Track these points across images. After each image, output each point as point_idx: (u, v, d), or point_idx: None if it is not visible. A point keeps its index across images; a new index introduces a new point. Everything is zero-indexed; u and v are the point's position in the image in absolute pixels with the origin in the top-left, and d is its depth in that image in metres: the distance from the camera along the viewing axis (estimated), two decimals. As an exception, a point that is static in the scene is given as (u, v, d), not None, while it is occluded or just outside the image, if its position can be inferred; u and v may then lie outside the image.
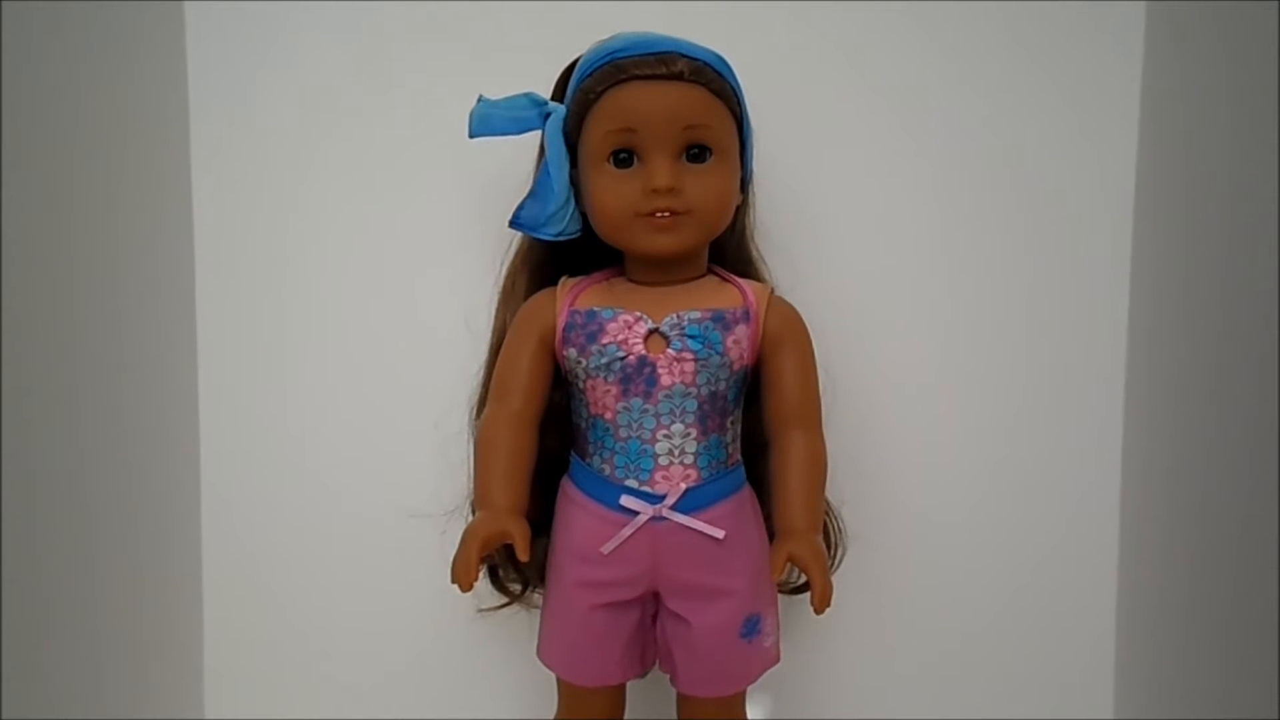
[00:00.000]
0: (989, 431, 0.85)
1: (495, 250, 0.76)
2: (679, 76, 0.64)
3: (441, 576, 0.64)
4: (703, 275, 0.70)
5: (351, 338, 0.85)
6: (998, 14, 0.81)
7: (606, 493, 0.68)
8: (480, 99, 0.68)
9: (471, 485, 0.70)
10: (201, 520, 0.87)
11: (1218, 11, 0.71)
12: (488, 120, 0.67)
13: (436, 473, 0.81)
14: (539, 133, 0.68)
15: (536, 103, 0.68)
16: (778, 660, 0.73)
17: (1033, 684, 0.87)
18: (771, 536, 0.68)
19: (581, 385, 0.69)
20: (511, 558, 0.74)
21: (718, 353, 0.67)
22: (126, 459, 0.77)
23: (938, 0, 0.81)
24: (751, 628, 0.70)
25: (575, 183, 0.69)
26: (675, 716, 0.74)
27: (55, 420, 0.68)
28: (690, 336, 0.66)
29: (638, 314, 0.67)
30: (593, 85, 0.66)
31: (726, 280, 0.70)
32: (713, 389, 0.67)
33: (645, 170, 0.65)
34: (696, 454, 0.67)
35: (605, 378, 0.67)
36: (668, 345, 0.66)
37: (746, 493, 0.71)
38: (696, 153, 0.66)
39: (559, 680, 0.74)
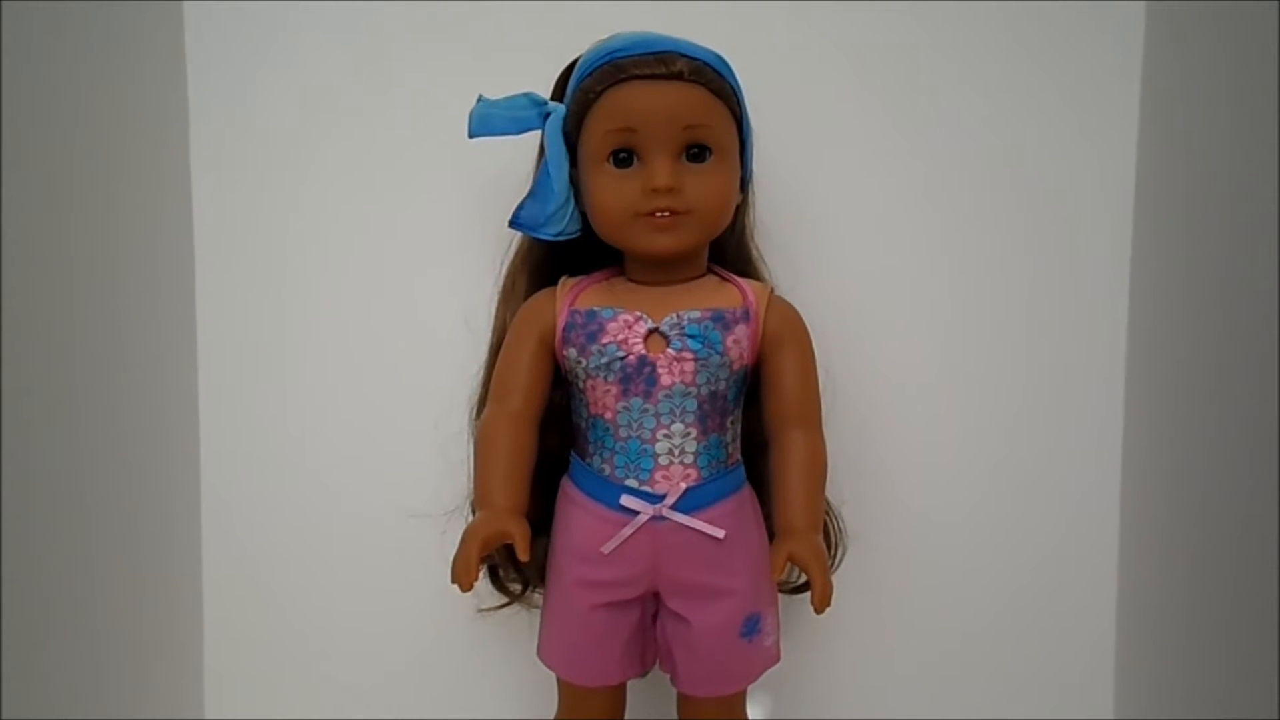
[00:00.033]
0: (989, 431, 0.85)
1: (495, 250, 0.76)
2: (679, 76, 0.64)
3: (441, 576, 0.64)
4: (702, 275, 0.70)
5: (351, 338, 0.85)
6: (998, 14, 0.81)
7: (606, 492, 0.68)
8: (480, 99, 0.68)
9: (471, 485, 0.70)
10: (201, 520, 0.87)
11: (1218, 11, 0.71)
12: (487, 120, 0.67)
13: (436, 473, 0.81)
14: (539, 132, 0.68)
15: (536, 102, 0.68)
16: (778, 660, 0.73)
17: (1033, 684, 0.87)
18: (772, 536, 0.68)
19: (581, 385, 0.69)
20: (512, 557, 0.74)
21: (718, 352, 0.67)
22: (126, 459, 0.77)
23: (938, 0, 0.81)
24: (752, 627, 0.70)
25: (575, 182, 0.69)
26: (675, 716, 0.74)
27: (55, 420, 0.68)
28: (690, 336, 0.66)
29: (638, 314, 0.67)
30: (592, 85, 0.66)
31: (726, 280, 0.70)
32: (713, 388, 0.67)
33: (645, 170, 0.65)
34: (696, 453, 0.67)
35: (605, 377, 0.67)
36: (668, 345, 0.66)
37: (746, 492, 0.71)
38: (696, 152, 0.66)
39: (559, 680, 0.74)
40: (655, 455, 0.67)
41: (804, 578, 0.66)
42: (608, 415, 0.68)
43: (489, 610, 0.81)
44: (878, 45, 0.82)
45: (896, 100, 0.82)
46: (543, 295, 0.71)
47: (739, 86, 0.68)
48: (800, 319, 0.71)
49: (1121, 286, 0.83)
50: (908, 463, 0.84)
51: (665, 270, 0.69)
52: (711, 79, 0.66)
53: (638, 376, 0.66)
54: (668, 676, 0.74)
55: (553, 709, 0.75)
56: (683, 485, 0.67)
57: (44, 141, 0.67)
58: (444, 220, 0.83)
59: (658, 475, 0.67)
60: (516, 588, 0.79)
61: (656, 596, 0.70)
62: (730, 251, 0.74)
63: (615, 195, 0.66)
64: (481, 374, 0.76)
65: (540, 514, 0.72)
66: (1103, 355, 0.84)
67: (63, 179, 0.69)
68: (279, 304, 0.85)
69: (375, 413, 0.85)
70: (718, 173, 0.66)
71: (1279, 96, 0.63)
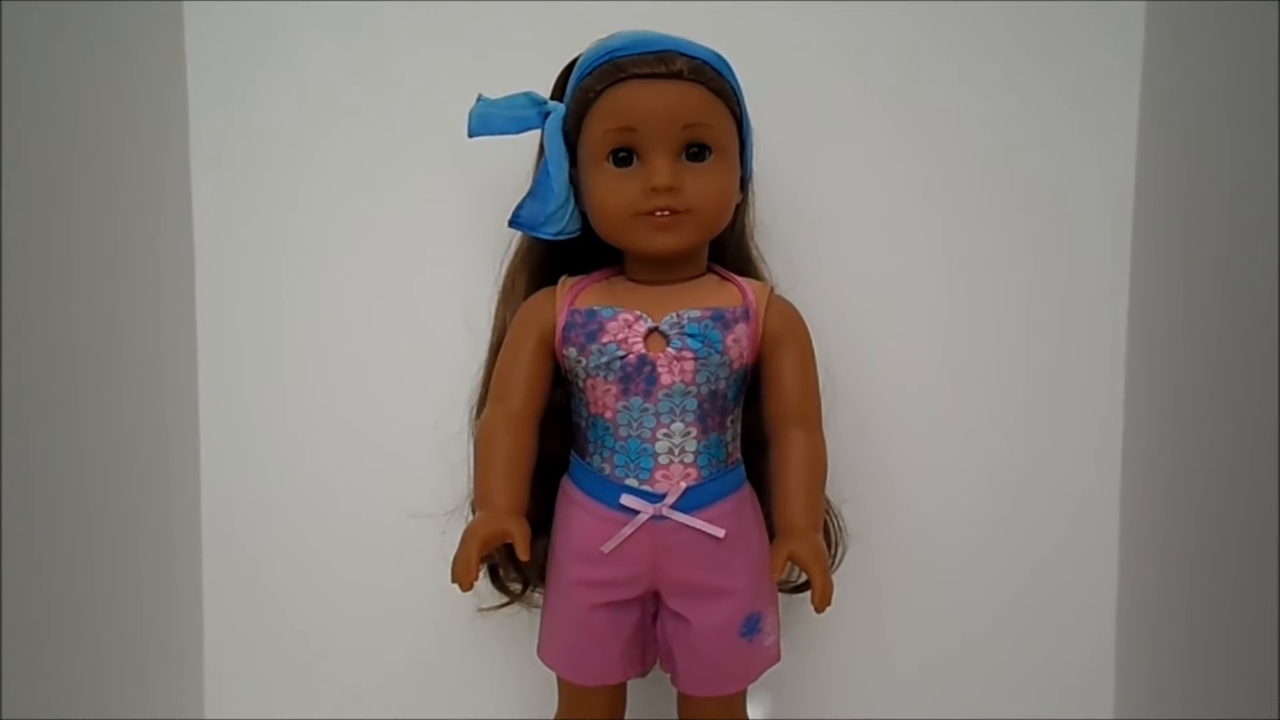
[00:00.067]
0: (989, 431, 0.85)
1: (495, 250, 0.76)
2: (678, 75, 0.64)
3: (441, 576, 0.64)
4: (702, 274, 0.70)
5: (351, 338, 0.85)
6: (998, 14, 0.81)
7: (607, 492, 0.68)
8: (479, 98, 0.68)
9: (471, 485, 0.70)
10: (201, 520, 0.86)
11: (1218, 11, 0.71)
12: (487, 119, 0.67)
13: (436, 473, 0.81)
14: (538, 132, 0.68)
15: (536, 102, 0.68)
16: (778, 659, 0.73)
17: (1033, 684, 0.87)
18: (772, 535, 0.68)
19: (581, 384, 0.69)
20: (512, 557, 0.74)
21: (717, 351, 0.67)
22: (126, 459, 0.77)
23: (938, 0, 0.81)
24: (752, 627, 0.70)
25: (575, 182, 0.69)
26: (676, 716, 0.74)
27: (55, 420, 0.68)
28: (690, 335, 0.66)
29: (638, 313, 0.67)
30: (592, 84, 0.66)
31: (726, 279, 0.70)
32: (712, 388, 0.67)
33: (645, 169, 0.65)
34: (696, 453, 0.67)
35: (605, 377, 0.67)
36: (667, 344, 0.66)
37: (747, 492, 0.71)
38: (696, 151, 0.66)
39: (559, 680, 0.74)
40: (655, 454, 0.67)
41: (804, 577, 0.66)
42: (608, 414, 0.68)
43: (489, 610, 0.81)
44: (878, 45, 0.82)
45: (896, 100, 0.82)
46: (542, 295, 0.71)
47: (739, 85, 0.68)
48: (800, 318, 0.71)
49: (1121, 286, 0.83)
50: (908, 462, 0.84)
51: (665, 269, 0.69)
52: (711, 78, 0.66)
53: (638, 376, 0.66)
54: (668, 676, 0.74)
55: (553, 709, 0.75)
56: (683, 484, 0.67)
57: (44, 141, 0.67)
58: (444, 220, 0.83)
59: (658, 474, 0.67)
60: (517, 587, 0.79)
61: (657, 596, 0.70)
62: (730, 251, 0.74)
63: (615, 194, 0.66)
64: (481, 374, 0.76)
65: (540, 513, 0.72)
66: (1103, 355, 0.84)
67: (63, 179, 0.69)
68: (279, 304, 0.85)
69: (375, 413, 0.85)
70: (717, 172, 0.66)
71: (1279, 96, 0.63)
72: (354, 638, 0.87)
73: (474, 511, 0.67)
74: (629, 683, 0.74)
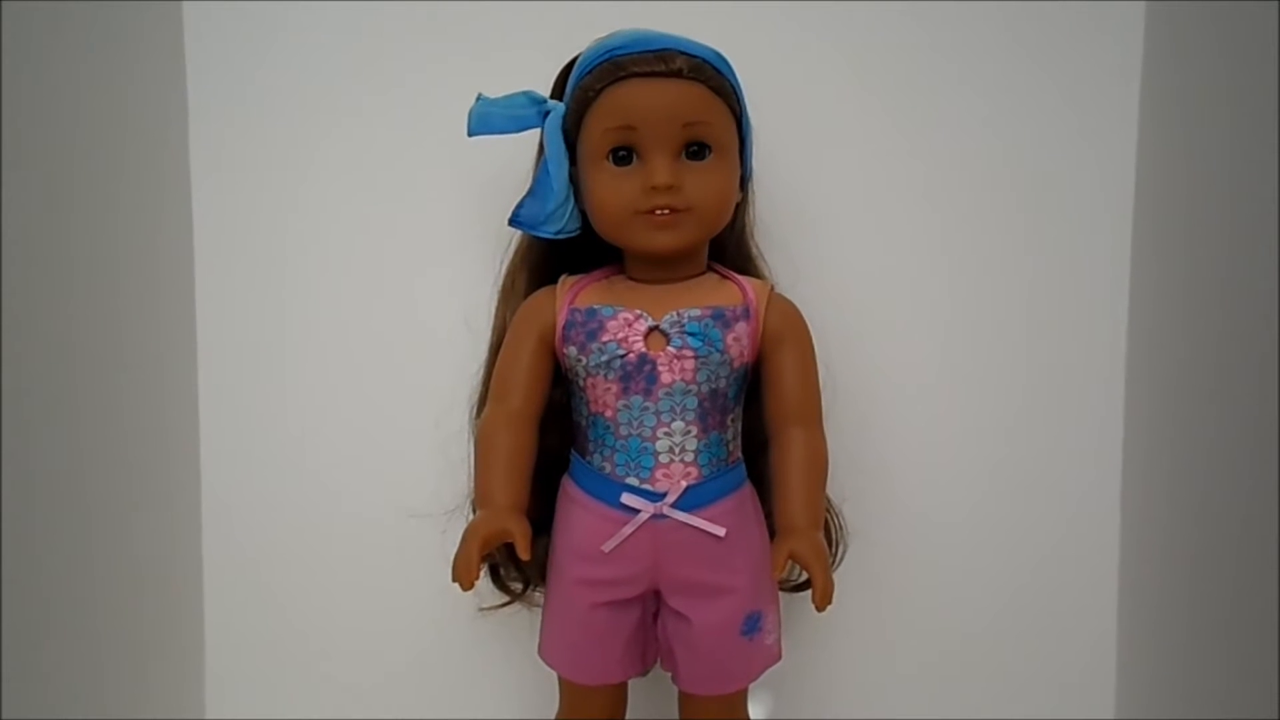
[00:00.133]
0: (989, 431, 0.85)
1: (495, 249, 0.76)
2: (678, 74, 0.64)
3: (442, 576, 0.64)
4: (703, 273, 0.70)
5: (351, 338, 0.85)
6: (998, 14, 0.82)
7: (607, 491, 0.68)
8: (479, 97, 0.68)
9: (472, 484, 0.70)
10: (202, 520, 0.86)
11: (1218, 11, 0.71)
12: (486, 119, 0.67)
13: (436, 472, 0.81)
14: (538, 131, 0.68)
15: (535, 101, 0.68)
16: (779, 658, 0.73)
17: (1033, 684, 0.87)
18: (772, 534, 0.68)
19: (582, 383, 0.69)
20: (512, 556, 0.74)
21: (718, 350, 0.67)
22: (126, 459, 0.77)
23: (938, 0, 0.81)
24: (752, 625, 0.70)
25: (574, 180, 0.69)
26: (676, 715, 0.74)
27: (55, 420, 0.68)
28: (690, 334, 0.66)
29: (638, 312, 0.67)
30: (592, 83, 0.66)
31: (726, 277, 0.70)
32: (713, 386, 0.67)
33: (644, 168, 0.65)
34: (697, 451, 0.67)
35: (605, 375, 0.67)
36: (668, 343, 0.66)
37: (747, 490, 0.71)
38: (696, 150, 0.66)
39: (560, 679, 0.74)
40: (656, 453, 0.67)
41: (805, 575, 0.66)
42: (608, 413, 0.68)
43: (490, 609, 0.81)
44: (878, 45, 0.82)
45: (896, 100, 0.82)
46: (542, 294, 0.71)
47: (738, 84, 0.68)
48: (800, 316, 0.71)
49: (1121, 286, 0.83)
50: (908, 462, 0.84)
51: (665, 268, 0.69)
52: (711, 76, 0.66)
53: (638, 374, 0.66)
54: (669, 675, 0.73)
55: (554, 708, 0.75)
56: (683, 483, 0.67)
57: (44, 141, 0.67)
58: (444, 220, 0.83)
59: (658, 473, 0.67)
60: (517, 586, 0.79)
61: (657, 595, 0.70)
62: (730, 249, 0.74)
63: (615, 193, 0.66)
64: (481, 373, 0.76)
65: (541, 513, 0.72)
66: (1103, 355, 0.84)
67: (63, 179, 0.69)
68: (279, 304, 0.85)
69: (375, 413, 0.85)
70: (717, 170, 0.66)
71: (1279, 97, 0.63)
72: (354, 638, 0.87)
73: (474, 511, 0.67)
74: (630, 682, 0.74)
